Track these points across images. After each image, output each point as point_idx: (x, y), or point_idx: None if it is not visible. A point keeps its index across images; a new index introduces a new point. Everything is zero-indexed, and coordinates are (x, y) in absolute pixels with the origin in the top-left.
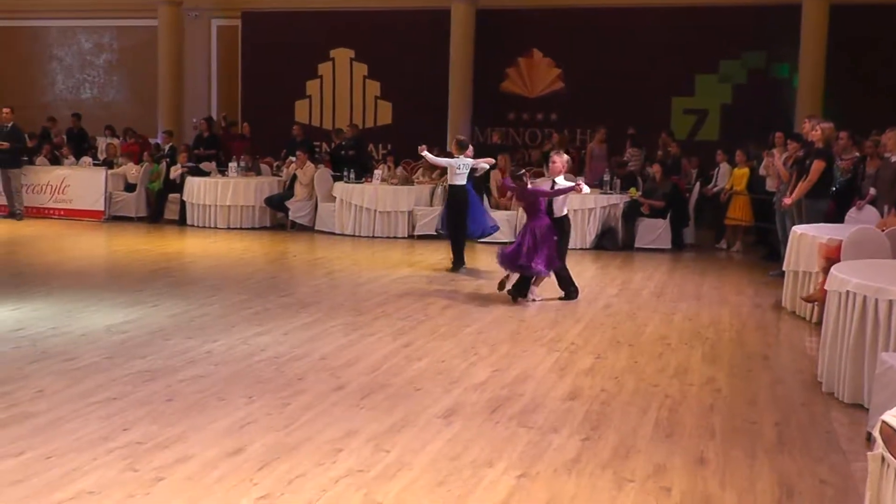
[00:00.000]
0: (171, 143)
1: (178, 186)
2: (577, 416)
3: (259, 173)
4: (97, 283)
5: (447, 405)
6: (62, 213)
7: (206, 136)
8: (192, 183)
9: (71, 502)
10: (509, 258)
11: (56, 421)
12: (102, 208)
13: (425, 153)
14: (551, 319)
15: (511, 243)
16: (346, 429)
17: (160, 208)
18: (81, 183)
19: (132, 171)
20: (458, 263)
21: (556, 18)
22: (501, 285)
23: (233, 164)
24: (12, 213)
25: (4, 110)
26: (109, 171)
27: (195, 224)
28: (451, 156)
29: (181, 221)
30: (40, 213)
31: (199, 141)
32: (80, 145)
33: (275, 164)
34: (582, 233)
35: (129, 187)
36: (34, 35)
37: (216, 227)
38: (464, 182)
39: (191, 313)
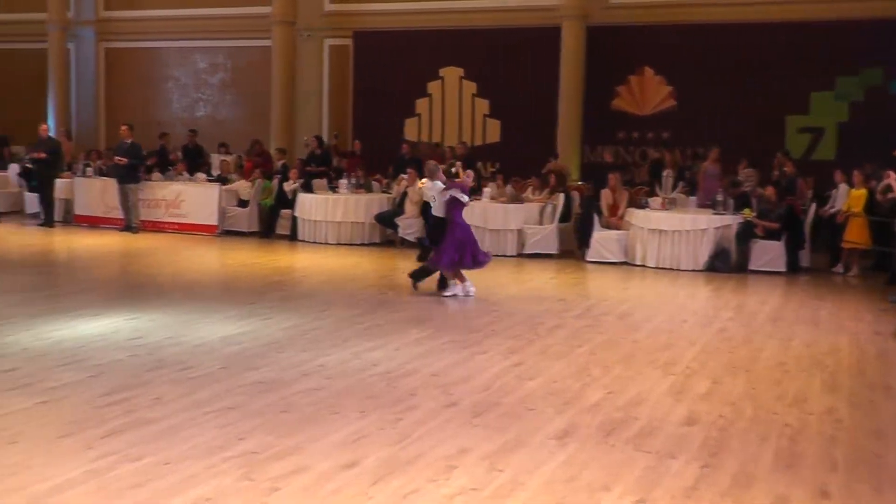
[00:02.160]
0: (283, 161)
1: (289, 202)
2: (694, 442)
3: (370, 190)
4: (211, 296)
5: (561, 426)
6: (177, 227)
7: (317, 153)
8: (304, 199)
9: None
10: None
11: (173, 428)
12: (216, 223)
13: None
14: (665, 342)
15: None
16: (459, 446)
17: (272, 223)
18: (196, 198)
19: (245, 187)
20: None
21: (668, 35)
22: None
23: (344, 181)
24: (128, 227)
25: (123, 127)
26: (223, 187)
27: (306, 239)
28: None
29: (292, 237)
30: (155, 227)
31: (310, 158)
32: (195, 161)
33: (385, 182)
34: (694, 254)
35: (242, 203)
36: (153, 56)
37: (326, 243)
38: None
39: (303, 327)
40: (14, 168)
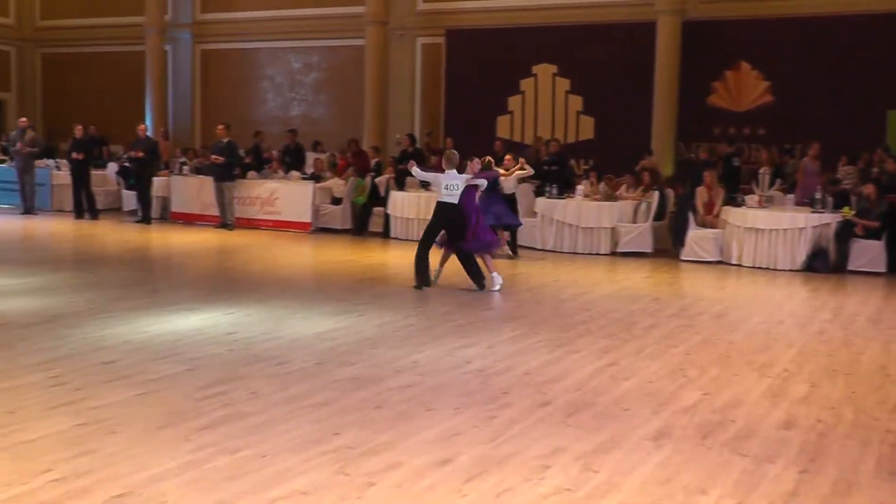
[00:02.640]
0: (378, 159)
1: (382, 200)
2: (793, 447)
3: None
4: (305, 292)
5: (656, 427)
6: (271, 224)
7: (410, 151)
8: (396, 197)
9: (285, 501)
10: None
11: (269, 422)
12: (310, 220)
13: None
14: (762, 343)
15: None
16: (553, 446)
17: (365, 221)
18: (290, 196)
19: (338, 185)
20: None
21: (765, 29)
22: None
23: None
24: (224, 224)
25: (219, 127)
26: (316, 185)
27: (398, 237)
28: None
29: (385, 234)
30: (250, 224)
31: (403, 156)
32: (297, 159)
33: None
34: (792, 254)
35: (336, 200)
36: (248, 57)
37: (418, 240)
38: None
39: (396, 323)
40: (113, 167)
